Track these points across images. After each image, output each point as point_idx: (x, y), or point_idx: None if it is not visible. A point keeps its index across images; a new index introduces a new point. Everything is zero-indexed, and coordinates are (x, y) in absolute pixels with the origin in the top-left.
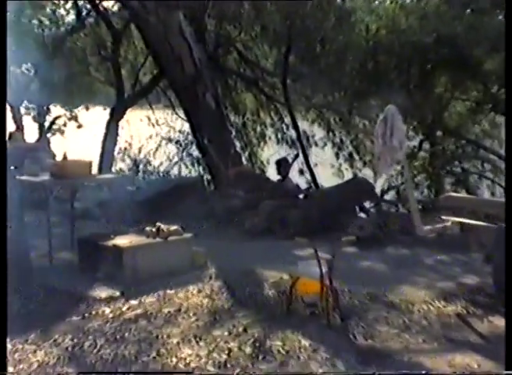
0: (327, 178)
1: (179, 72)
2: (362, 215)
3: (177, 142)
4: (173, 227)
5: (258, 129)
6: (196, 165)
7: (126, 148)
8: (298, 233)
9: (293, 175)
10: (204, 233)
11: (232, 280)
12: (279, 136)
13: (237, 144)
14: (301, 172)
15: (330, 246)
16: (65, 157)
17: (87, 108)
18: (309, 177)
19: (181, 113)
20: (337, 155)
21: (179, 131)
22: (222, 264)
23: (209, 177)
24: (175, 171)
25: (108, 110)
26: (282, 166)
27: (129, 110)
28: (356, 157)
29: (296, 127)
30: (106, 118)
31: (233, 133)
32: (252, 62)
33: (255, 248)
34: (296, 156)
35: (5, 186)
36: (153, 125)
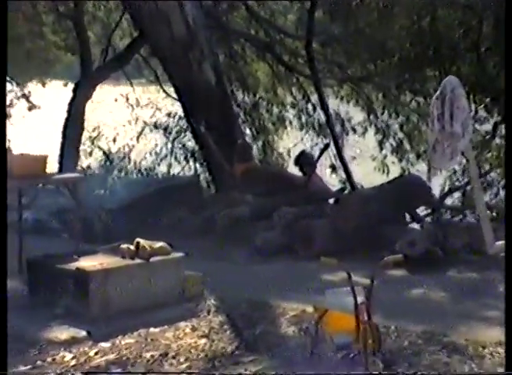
0: (367, 176)
1: (165, 34)
2: (414, 226)
3: (165, 129)
4: (158, 244)
5: (275, 111)
6: (190, 160)
7: (95, 138)
8: (326, 252)
9: (322, 172)
10: (201, 251)
11: (237, 315)
12: (304, 120)
13: (246, 131)
14: (333, 168)
15: (369, 268)
16: (8, 149)
17: (44, 84)
18: (343, 175)
19: (170, 91)
20: (381, 145)
21: (168, 115)
22: (224, 293)
23: (208, 176)
24: (162, 168)
25: (71, 86)
26: (304, 162)
27: (99, 86)
28: (407, 147)
29: (325, 108)
30: (68, 97)
31: (241, 116)
32: (266, 21)
33: (269, 271)
34: (326, 147)
35: (5, 186)
36: (132, 106)
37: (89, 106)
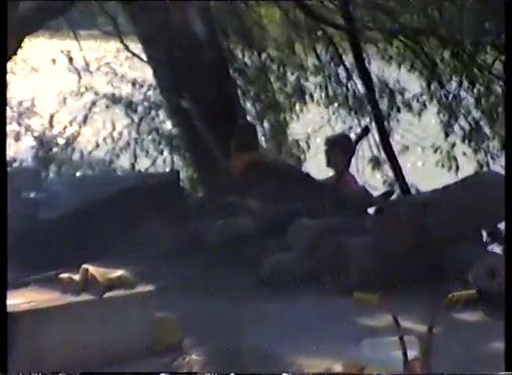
0: (426, 174)
1: None
2: (494, 247)
3: (128, 105)
4: (116, 273)
5: (291, 78)
6: (166, 149)
7: (21, 116)
8: (364, 283)
9: (359, 168)
10: (181, 282)
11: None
12: (332, 91)
13: (249, 107)
14: (376, 161)
15: (427, 309)
16: None
17: None
18: (390, 172)
19: (136, 48)
20: (447, 128)
21: (133, 84)
22: (214, 343)
23: (193, 173)
24: (123, 161)
25: None
26: (339, 149)
27: (27, 40)
28: (486, 131)
29: (365, 74)
30: None
31: (241, 86)
32: None
33: (281, 310)
34: (365, 132)
35: (5, 186)
36: (78, 70)
37: (12, 69)
